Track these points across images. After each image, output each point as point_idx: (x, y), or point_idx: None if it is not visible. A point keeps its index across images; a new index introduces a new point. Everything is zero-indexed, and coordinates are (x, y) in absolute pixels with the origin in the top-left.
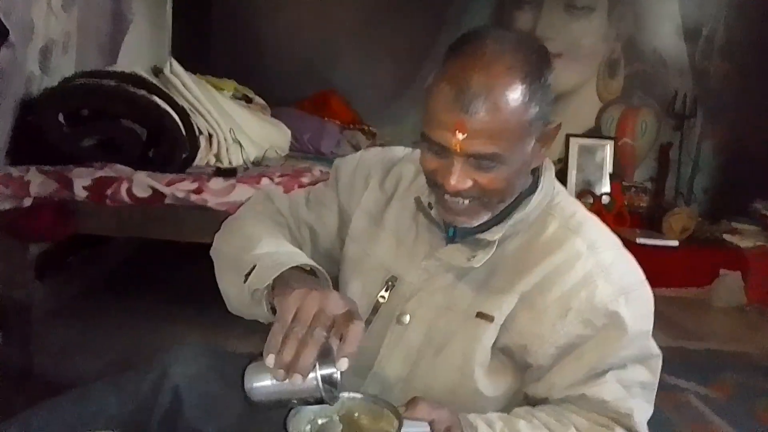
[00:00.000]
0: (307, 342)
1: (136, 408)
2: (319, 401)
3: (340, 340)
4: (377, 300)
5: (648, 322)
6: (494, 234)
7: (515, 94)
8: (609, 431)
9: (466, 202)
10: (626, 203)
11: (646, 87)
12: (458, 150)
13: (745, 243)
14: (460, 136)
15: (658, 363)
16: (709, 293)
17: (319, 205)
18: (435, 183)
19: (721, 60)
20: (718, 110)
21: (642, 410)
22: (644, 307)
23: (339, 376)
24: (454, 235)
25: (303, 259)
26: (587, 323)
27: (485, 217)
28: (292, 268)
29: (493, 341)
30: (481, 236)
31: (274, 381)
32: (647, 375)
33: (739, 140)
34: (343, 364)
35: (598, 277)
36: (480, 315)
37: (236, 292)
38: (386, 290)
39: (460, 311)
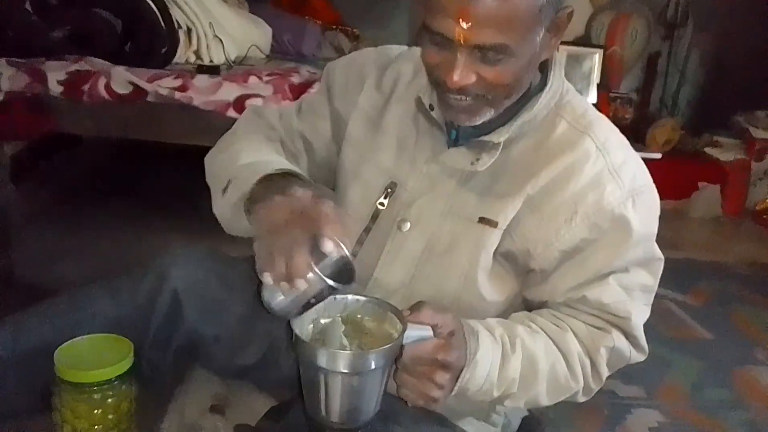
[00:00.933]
0: (291, 247)
1: (134, 311)
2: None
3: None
4: (376, 207)
5: (654, 224)
6: (500, 135)
7: None
8: (606, 333)
9: (469, 99)
10: (611, 114)
11: None
12: (462, 41)
13: (725, 156)
14: (464, 24)
15: (660, 266)
16: (688, 205)
17: (311, 114)
18: (436, 79)
19: None
20: (708, 20)
21: (640, 313)
22: (651, 209)
23: (342, 259)
24: (457, 137)
25: (278, 165)
26: (593, 227)
27: (489, 115)
28: (269, 175)
29: (496, 247)
30: (486, 138)
31: (285, 294)
32: (649, 278)
33: (726, 52)
34: (327, 245)
35: (607, 178)
36: (483, 220)
37: (221, 210)
38: (386, 197)
39: (463, 217)
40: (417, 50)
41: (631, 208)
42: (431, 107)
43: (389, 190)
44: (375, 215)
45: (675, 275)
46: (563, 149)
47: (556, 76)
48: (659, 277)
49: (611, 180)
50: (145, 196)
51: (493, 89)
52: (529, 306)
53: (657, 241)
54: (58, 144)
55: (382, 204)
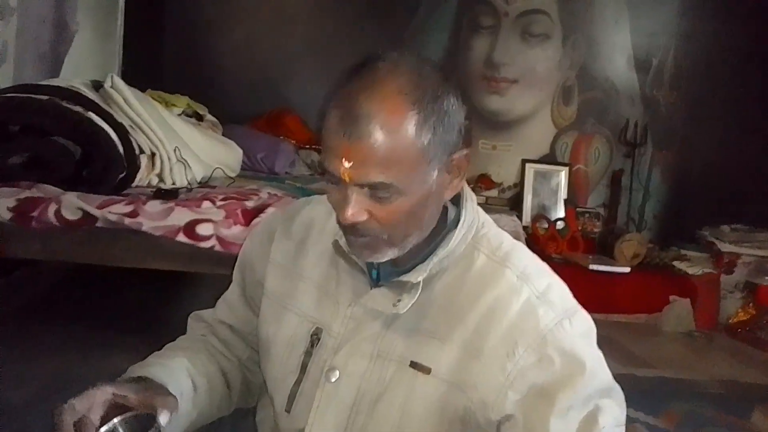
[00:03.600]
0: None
1: None
2: None
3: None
4: (303, 357)
5: (594, 342)
6: (418, 275)
7: (403, 120)
8: None
9: (367, 237)
10: (580, 229)
11: (599, 114)
12: (347, 179)
13: (693, 270)
14: (346, 164)
15: (620, 394)
16: (659, 319)
17: (229, 300)
18: (338, 218)
19: (670, 90)
20: (667, 138)
21: None
22: (589, 330)
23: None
24: (377, 278)
25: (141, 372)
26: (541, 356)
27: (394, 254)
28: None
29: (436, 396)
30: (405, 278)
31: None
32: (618, 410)
33: (687, 168)
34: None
35: (536, 304)
36: (414, 365)
37: None
38: (312, 345)
39: (393, 360)
40: (323, 199)
41: (570, 332)
42: (349, 249)
43: (315, 336)
44: (303, 366)
45: (646, 396)
46: (485, 285)
47: (469, 211)
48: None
49: (540, 305)
50: (94, 317)
51: (388, 227)
52: None
53: (629, 358)
54: (8, 266)
55: (308, 353)
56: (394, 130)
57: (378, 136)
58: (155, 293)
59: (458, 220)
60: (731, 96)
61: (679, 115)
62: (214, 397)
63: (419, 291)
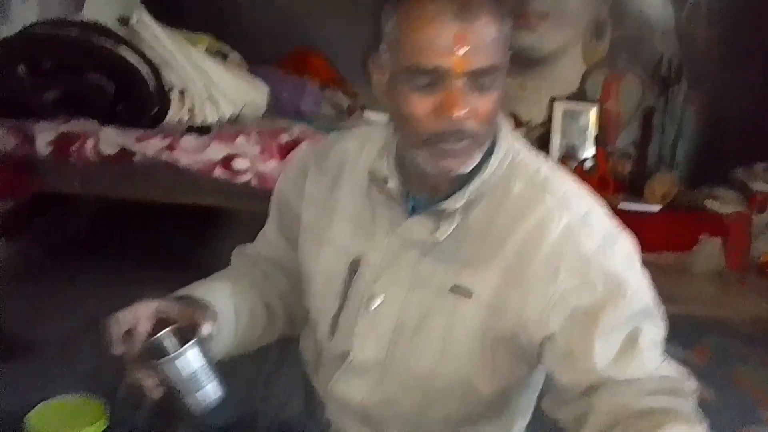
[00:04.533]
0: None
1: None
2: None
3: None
4: (342, 287)
5: (639, 268)
6: (456, 202)
7: (496, 2)
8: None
9: (464, 141)
10: (609, 168)
11: (632, 51)
12: (459, 69)
13: (724, 209)
14: (460, 51)
15: (660, 314)
16: (689, 258)
17: (267, 236)
18: (426, 129)
19: (707, 26)
20: (702, 76)
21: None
22: (630, 249)
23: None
24: (414, 207)
25: (190, 291)
26: (582, 280)
27: (474, 160)
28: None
29: (477, 321)
30: (443, 205)
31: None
32: (659, 330)
33: (722, 107)
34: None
35: (577, 229)
36: (455, 289)
37: None
38: (351, 275)
39: (433, 287)
40: (359, 129)
41: (612, 255)
42: (386, 179)
43: (353, 268)
44: (343, 295)
45: (676, 332)
46: (524, 210)
47: (504, 136)
48: (663, 327)
49: (582, 228)
50: (133, 252)
51: (485, 124)
52: (576, 398)
53: (659, 296)
54: (48, 202)
55: (347, 283)
56: (496, 11)
57: (489, 16)
58: (193, 229)
59: (494, 147)
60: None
61: (715, 52)
62: (257, 324)
63: (457, 218)
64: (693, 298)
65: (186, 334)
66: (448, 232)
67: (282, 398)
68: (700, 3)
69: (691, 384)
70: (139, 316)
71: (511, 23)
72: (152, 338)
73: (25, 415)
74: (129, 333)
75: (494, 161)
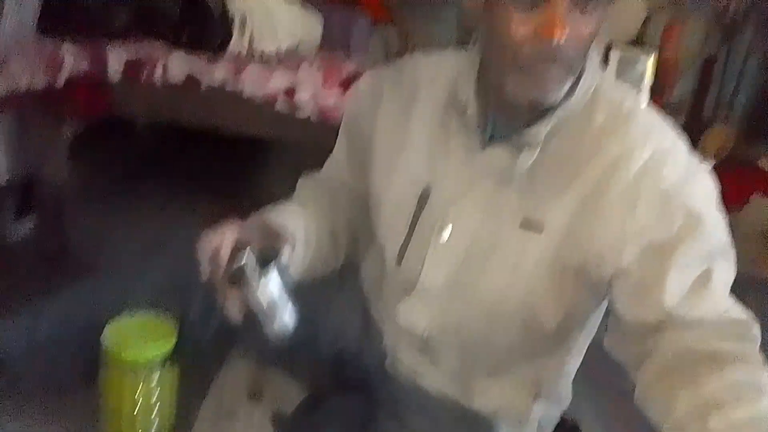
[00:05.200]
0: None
1: (181, 280)
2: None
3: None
4: (413, 214)
5: (718, 207)
6: (540, 131)
7: None
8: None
9: (557, 65)
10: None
11: None
12: None
13: None
14: None
15: (733, 254)
16: (739, 217)
17: (337, 157)
18: (523, 53)
19: None
20: None
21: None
22: (711, 187)
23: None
24: (492, 135)
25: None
26: (661, 214)
27: (566, 87)
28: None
29: (548, 254)
30: (525, 135)
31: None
32: (732, 271)
33: None
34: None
35: (661, 162)
36: (526, 224)
37: None
38: (421, 205)
39: (506, 219)
40: (433, 53)
41: (692, 191)
42: (465, 105)
43: (424, 197)
44: (413, 223)
45: None
46: (607, 140)
47: (591, 65)
48: (735, 267)
49: (665, 162)
50: (196, 179)
51: (581, 46)
52: (641, 336)
53: None
54: (116, 127)
55: (418, 212)
56: None
57: None
58: (254, 159)
59: (581, 75)
60: None
61: None
62: (323, 253)
63: (539, 148)
64: (743, 258)
65: (267, 255)
66: (529, 163)
67: (340, 326)
68: None
69: (757, 328)
70: (224, 238)
71: None
72: (238, 264)
73: (100, 331)
74: (215, 253)
75: (579, 91)
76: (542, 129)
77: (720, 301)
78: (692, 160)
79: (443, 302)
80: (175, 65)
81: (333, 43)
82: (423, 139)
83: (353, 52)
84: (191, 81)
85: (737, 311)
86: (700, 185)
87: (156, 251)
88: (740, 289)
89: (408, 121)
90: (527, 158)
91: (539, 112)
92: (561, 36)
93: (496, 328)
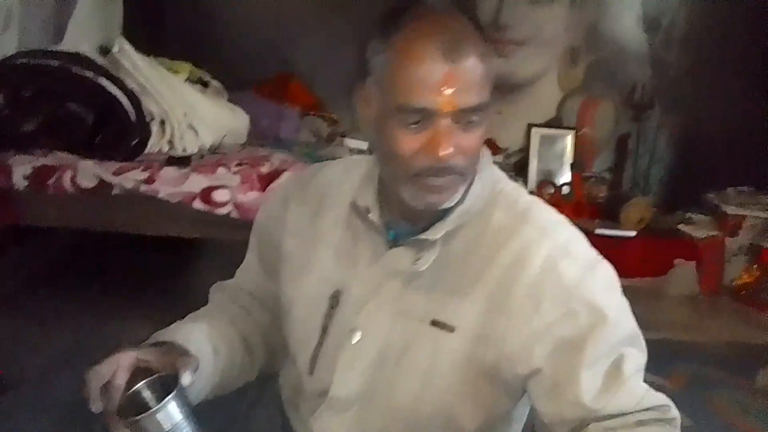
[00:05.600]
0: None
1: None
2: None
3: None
4: (324, 319)
5: (620, 295)
6: (437, 232)
7: (483, 41)
8: None
9: (449, 176)
10: (585, 193)
11: (607, 77)
12: (447, 108)
13: (698, 233)
14: (448, 91)
15: (642, 339)
16: (664, 283)
17: (247, 267)
18: (414, 165)
19: (679, 52)
20: (674, 101)
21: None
22: (611, 277)
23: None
24: (395, 237)
25: (165, 337)
26: (565, 310)
27: (459, 194)
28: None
29: (461, 355)
30: (423, 236)
31: None
32: (642, 356)
33: (694, 131)
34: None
35: (558, 258)
36: (436, 323)
37: None
38: (332, 307)
39: (415, 319)
40: (341, 159)
41: (594, 284)
42: (367, 210)
43: (334, 298)
44: (324, 327)
45: (653, 358)
46: (505, 239)
47: (486, 167)
48: (645, 352)
49: (562, 258)
50: (111, 283)
51: (470, 160)
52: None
53: (635, 321)
54: (24, 232)
55: (329, 315)
56: (482, 50)
57: (476, 56)
58: (173, 261)
59: (475, 176)
60: (739, 57)
61: (688, 78)
62: (236, 362)
63: (438, 247)
64: (668, 323)
65: (166, 382)
66: (429, 263)
67: None
68: (672, 30)
69: (674, 410)
70: (117, 366)
71: (495, 60)
72: (131, 391)
73: None
74: (107, 385)
75: (475, 191)
76: (440, 230)
77: (635, 389)
78: (589, 253)
79: (359, 411)
80: (85, 173)
81: (263, 135)
82: (331, 243)
83: (283, 142)
84: (103, 186)
85: (654, 397)
86: (600, 277)
87: (71, 360)
88: (671, 356)
89: (316, 227)
90: (427, 258)
91: (438, 214)
92: (447, 153)
93: (415, 431)
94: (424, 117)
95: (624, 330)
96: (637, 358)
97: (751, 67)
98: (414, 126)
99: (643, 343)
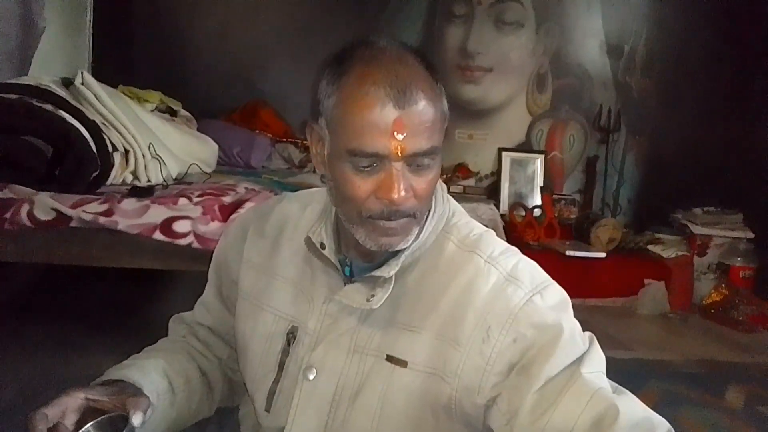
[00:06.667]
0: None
1: None
2: None
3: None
4: (280, 355)
5: (571, 315)
6: (390, 269)
7: (434, 85)
8: None
9: (402, 220)
10: (556, 215)
11: (573, 101)
12: (399, 153)
13: (667, 253)
14: (399, 136)
15: (594, 340)
16: (635, 302)
17: (205, 302)
18: (366, 209)
19: (642, 75)
20: (640, 124)
21: (624, 400)
22: (562, 301)
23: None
24: (351, 273)
25: (114, 375)
26: (516, 336)
27: (413, 236)
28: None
29: (415, 390)
30: (377, 273)
31: None
32: (599, 363)
33: (660, 152)
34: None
35: (505, 285)
36: (390, 359)
37: None
38: (288, 343)
39: (369, 354)
40: (301, 192)
41: (541, 306)
42: (322, 246)
43: (291, 335)
44: (281, 364)
45: (623, 376)
46: (455, 272)
47: (440, 201)
48: (601, 351)
49: (509, 284)
50: (70, 318)
51: (422, 202)
52: None
53: (605, 340)
54: None
55: (285, 351)
56: (433, 95)
57: (426, 100)
58: (134, 292)
59: (429, 212)
60: (702, 80)
61: (651, 101)
62: (194, 397)
63: (392, 285)
64: (639, 342)
65: (116, 422)
66: (383, 300)
67: None
68: (635, 54)
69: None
70: (65, 408)
71: (445, 104)
72: None
73: None
74: (56, 427)
75: (429, 226)
76: (393, 267)
77: (595, 404)
78: (537, 277)
79: None
80: (41, 206)
81: (235, 162)
82: (289, 277)
83: (255, 170)
84: (61, 219)
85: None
86: (548, 298)
87: (34, 395)
88: (642, 373)
89: (274, 260)
90: (381, 295)
91: (392, 252)
92: (400, 198)
93: None
94: (376, 161)
95: (576, 349)
96: (594, 371)
97: (713, 87)
98: (366, 169)
99: (601, 357)
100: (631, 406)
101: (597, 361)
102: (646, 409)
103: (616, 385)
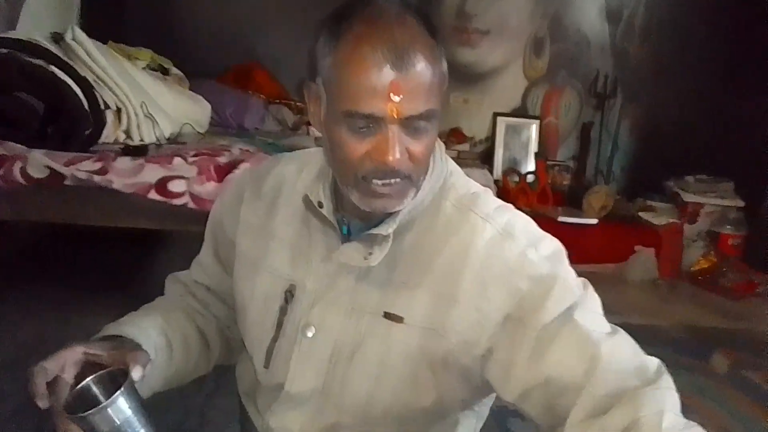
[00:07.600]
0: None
1: None
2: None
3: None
4: (278, 314)
5: (564, 259)
6: (388, 227)
7: (434, 47)
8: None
9: (398, 181)
10: (550, 181)
11: (570, 66)
12: (395, 115)
13: (658, 220)
14: (396, 98)
15: (588, 285)
16: (625, 268)
17: (203, 262)
18: (362, 170)
19: (640, 42)
20: (636, 91)
21: (623, 345)
22: (555, 249)
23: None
24: (348, 233)
25: (116, 330)
26: (511, 290)
27: (410, 199)
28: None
29: (412, 346)
30: (375, 231)
31: None
32: (596, 303)
33: (655, 120)
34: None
35: (501, 240)
36: (387, 315)
37: None
38: (286, 302)
39: (367, 312)
40: (298, 153)
41: (536, 258)
42: (320, 204)
43: (289, 294)
44: (279, 323)
45: None
46: (451, 230)
47: (437, 161)
48: (594, 293)
49: (504, 240)
50: (68, 277)
51: (419, 165)
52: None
53: None
54: None
55: (283, 310)
56: (431, 58)
57: (425, 63)
58: (130, 252)
59: (427, 171)
60: (699, 48)
61: (648, 68)
62: (191, 354)
63: (390, 243)
64: (628, 308)
65: (115, 377)
66: (381, 258)
67: (218, 429)
68: (634, 21)
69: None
70: (65, 362)
71: (445, 64)
72: (79, 386)
73: None
74: (56, 381)
75: (426, 185)
76: (390, 225)
77: (596, 346)
78: (533, 232)
79: (315, 403)
80: (35, 164)
81: (228, 123)
82: (286, 237)
83: (248, 131)
84: (55, 177)
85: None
86: (543, 250)
87: (29, 357)
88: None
89: (271, 221)
90: (378, 254)
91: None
92: (395, 160)
93: (373, 423)
94: (372, 123)
95: (569, 295)
96: (590, 318)
97: (710, 57)
98: (362, 130)
99: (596, 301)
100: (623, 348)
101: (591, 305)
102: (636, 350)
103: (612, 325)
